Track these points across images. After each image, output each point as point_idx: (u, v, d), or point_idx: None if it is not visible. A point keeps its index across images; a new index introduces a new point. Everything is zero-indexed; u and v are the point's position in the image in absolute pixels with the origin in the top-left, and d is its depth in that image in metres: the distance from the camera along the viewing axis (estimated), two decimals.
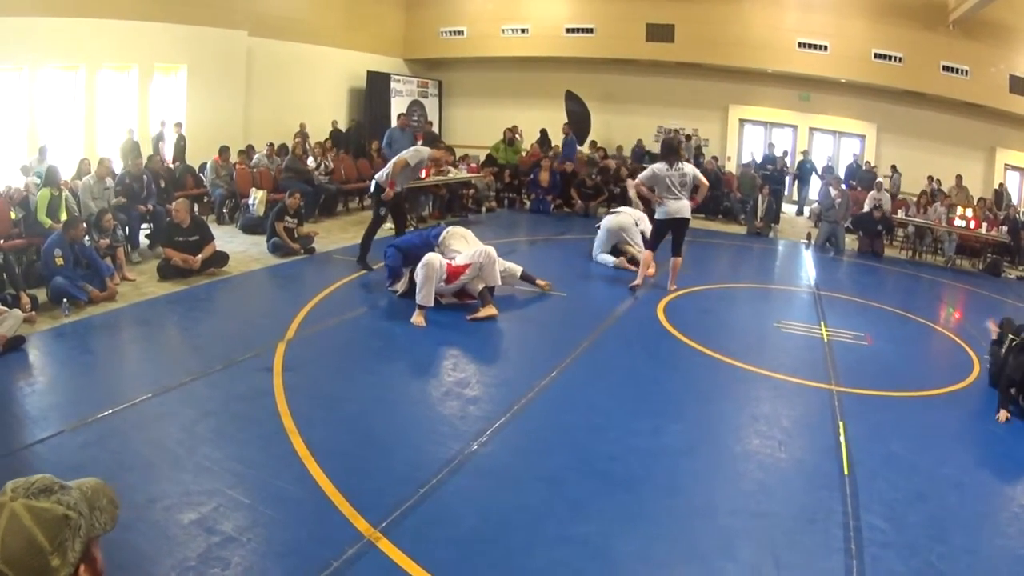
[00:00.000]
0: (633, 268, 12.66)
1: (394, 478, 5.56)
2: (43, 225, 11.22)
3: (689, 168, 11.87)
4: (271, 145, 18.13)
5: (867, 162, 22.98)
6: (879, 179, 20.04)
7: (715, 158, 23.26)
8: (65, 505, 1.90)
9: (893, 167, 22.60)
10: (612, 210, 14.78)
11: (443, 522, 5.05)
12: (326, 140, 21.16)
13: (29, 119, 16.19)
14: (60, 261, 9.76)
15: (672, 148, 11.96)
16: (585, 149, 23.63)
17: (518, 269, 11.15)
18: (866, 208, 18.38)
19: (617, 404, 7.40)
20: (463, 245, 10.59)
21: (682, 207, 11.60)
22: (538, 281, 11.28)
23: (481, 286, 10.06)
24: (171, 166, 17.01)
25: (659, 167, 11.62)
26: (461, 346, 9.10)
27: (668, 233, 11.85)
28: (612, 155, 23.18)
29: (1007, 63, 20.91)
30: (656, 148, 23.74)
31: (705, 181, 11.97)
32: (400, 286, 10.61)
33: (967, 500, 5.97)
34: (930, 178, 21.36)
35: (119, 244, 11.54)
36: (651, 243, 12.13)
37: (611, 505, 5.42)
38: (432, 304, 9.64)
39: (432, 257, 9.78)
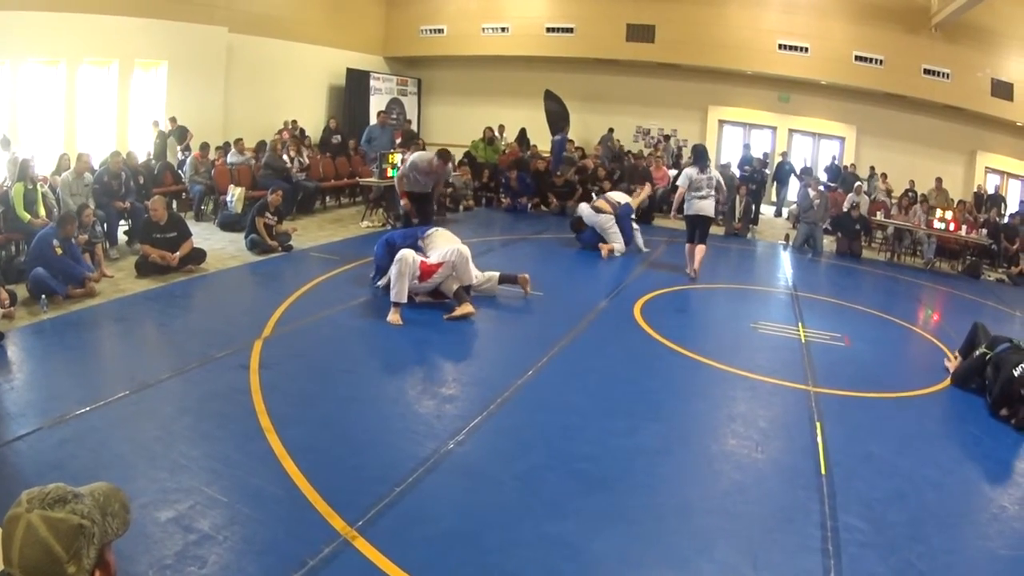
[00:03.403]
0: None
1: (370, 477, 5.56)
2: (22, 220, 11.18)
3: (715, 173, 13.63)
4: (239, 140, 18.01)
5: (852, 164, 23.03)
6: (858, 183, 20.07)
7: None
8: (79, 514, 1.96)
9: (872, 169, 22.70)
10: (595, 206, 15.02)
11: (419, 521, 5.04)
12: (303, 136, 21.16)
13: (11, 113, 16.11)
14: (59, 251, 9.84)
15: (703, 154, 13.70)
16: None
17: (495, 275, 11.11)
18: (845, 208, 18.48)
19: (593, 404, 7.42)
20: (447, 244, 10.56)
21: (707, 206, 13.15)
22: (518, 277, 11.21)
23: (456, 285, 10.09)
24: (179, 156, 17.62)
25: (692, 171, 13.25)
26: (437, 345, 9.10)
27: (696, 227, 13.22)
28: (591, 154, 23.14)
29: (989, 67, 21.01)
30: (635, 148, 24.09)
31: (723, 187, 13.93)
32: (381, 281, 10.62)
33: (946, 500, 6.02)
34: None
35: (98, 240, 11.49)
36: (688, 236, 13.37)
37: (587, 504, 5.42)
38: (405, 300, 9.65)
39: (406, 253, 9.79)
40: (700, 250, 13.24)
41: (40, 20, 15.97)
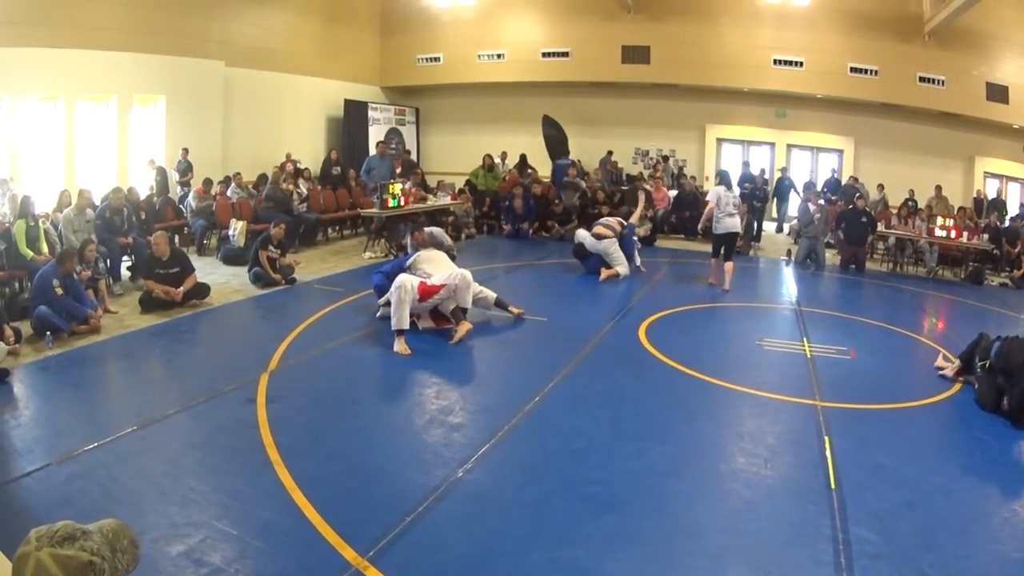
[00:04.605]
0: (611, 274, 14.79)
1: (380, 507, 5.55)
2: (25, 257, 11.21)
3: (737, 192, 14.90)
4: (238, 175, 18.05)
5: (852, 177, 23.04)
6: (858, 194, 20.03)
7: (693, 177, 23.30)
8: (89, 551, 1.96)
9: (880, 186, 22.71)
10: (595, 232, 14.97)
11: (430, 550, 5.03)
12: (304, 168, 21.19)
13: (11, 150, 16.18)
14: (60, 291, 9.82)
15: (727, 176, 14.66)
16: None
17: (492, 295, 11.24)
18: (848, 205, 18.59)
19: (601, 427, 7.39)
20: (433, 267, 10.69)
21: (735, 223, 14.27)
22: (511, 308, 11.34)
23: (452, 306, 10.18)
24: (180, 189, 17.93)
25: (720, 189, 14.10)
26: (444, 373, 9.09)
27: (723, 244, 14.19)
28: (591, 178, 23.09)
29: (984, 70, 21.08)
30: (633, 170, 24.19)
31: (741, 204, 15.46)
32: (380, 313, 10.69)
33: (956, 507, 5.99)
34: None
35: (101, 276, 11.53)
36: (714, 252, 14.41)
37: (598, 528, 5.41)
38: (407, 327, 9.68)
39: (404, 279, 9.87)
40: (729, 267, 14.11)
41: (38, 57, 16.11)
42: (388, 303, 10.15)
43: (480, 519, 5.53)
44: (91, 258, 11.27)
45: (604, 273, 14.52)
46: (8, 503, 5.43)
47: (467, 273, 10.38)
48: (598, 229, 14.92)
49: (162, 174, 18.57)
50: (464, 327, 10.02)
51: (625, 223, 15.18)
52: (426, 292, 10.03)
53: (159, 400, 7.69)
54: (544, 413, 7.69)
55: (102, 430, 6.75)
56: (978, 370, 8.49)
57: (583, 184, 21.48)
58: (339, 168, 21.71)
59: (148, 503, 5.50)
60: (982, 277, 17.20)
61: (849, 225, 17.77)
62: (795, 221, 20.49)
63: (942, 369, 9.45)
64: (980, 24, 20.49)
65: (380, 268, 11.51)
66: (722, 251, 14.17)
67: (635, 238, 15.39)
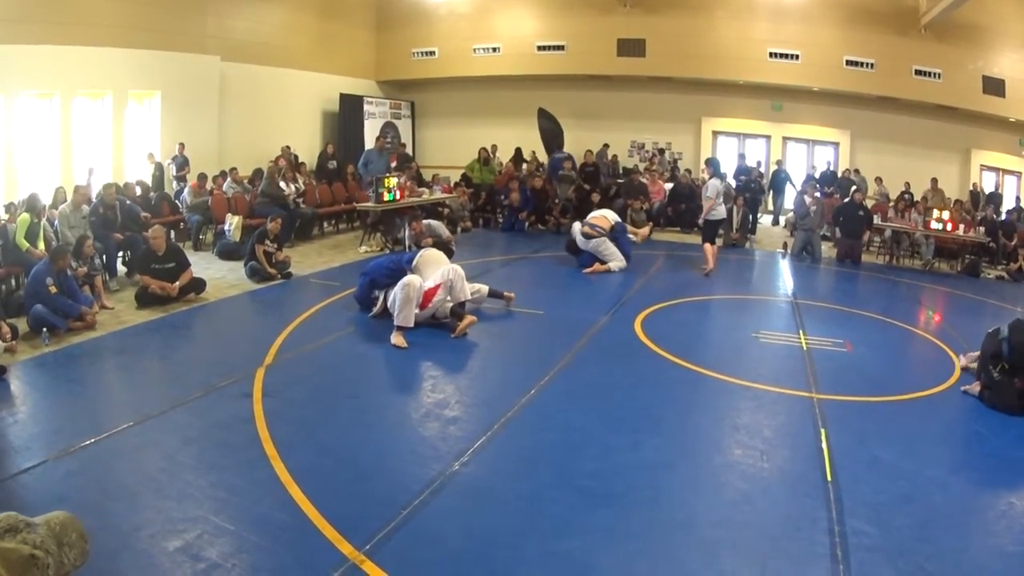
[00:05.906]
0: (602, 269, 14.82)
1: (377, 500, 5.56)
2: (20, 249, 11.19)
3: (731, 183, 15.12)
4: (234, 170, 18.03)
5: (847, 169, 23.04)
6: (855, 187, 20.03)
7: (688, 171, 23.24)
8: (31, 544, 1.88)
9: (878, 179, 22.66)
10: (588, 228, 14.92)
11: (427, 543, 5.04)
12: (300, 162, 21.17)
13: (6, 147, 16.12)
14: (54, 289, 9.81)
15: (720, 167, 15.84)
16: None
17: (485, 288, 11.33)
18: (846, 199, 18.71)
19: (596, 420, 7.39)
20: (430, 270, 10.56)
21: (723, 211, 15.66)
22: (505, 293, 11.48)
23: (450, 306, 10.19)
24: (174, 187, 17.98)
25: (716, 182, 15.05)
26: (440, 367, 9.11)
27: (715, 231, 15.55)
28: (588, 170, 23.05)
29: (980, 63, 21.07)
30: (629, 163, 24.19)
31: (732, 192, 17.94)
32: (375, 309, 10.65)
33: (953, 500, 5.99)
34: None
35: (97, 272, 11.50)
36: (710, 239, 15.30)
37: (593, 521, 5.42)
38: (412, 325, 9.68)
39: (412, 278, 9.85)
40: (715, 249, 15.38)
41: (33, 53, 16.02)
42: (374, 303, 10.26)
43: (476, 512, 5.53)
44: (89, 254, 11.27)
45: (599, 268, 14.51)
46: (5, 500, 5.40)
47: (457, 267, 10.41)
48: (586, 229, 14.87)
49: (159, 169, 18.53)
50: (467, 320, 10.07)
51: (612, 220, 15.14)
52: (426, 297, 10.04)
53: (155, 396, 7.68)
54: (540, 406, 7.69)
55: (99, 426, 6.75)
56: (996, 376, 8.27)
57: (574, 176, 21.43)
58: (335, 162, 21.70)
59: (145, 498, 5.50)
60: (978, 270, 17.23)
61: (846, 218, 17.76)
62: (791, 214, 20.49)
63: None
64: (976, 17, 20.46)
65: (364, 269, 11.22)
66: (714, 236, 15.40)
67: (629, 236, 15.41)
